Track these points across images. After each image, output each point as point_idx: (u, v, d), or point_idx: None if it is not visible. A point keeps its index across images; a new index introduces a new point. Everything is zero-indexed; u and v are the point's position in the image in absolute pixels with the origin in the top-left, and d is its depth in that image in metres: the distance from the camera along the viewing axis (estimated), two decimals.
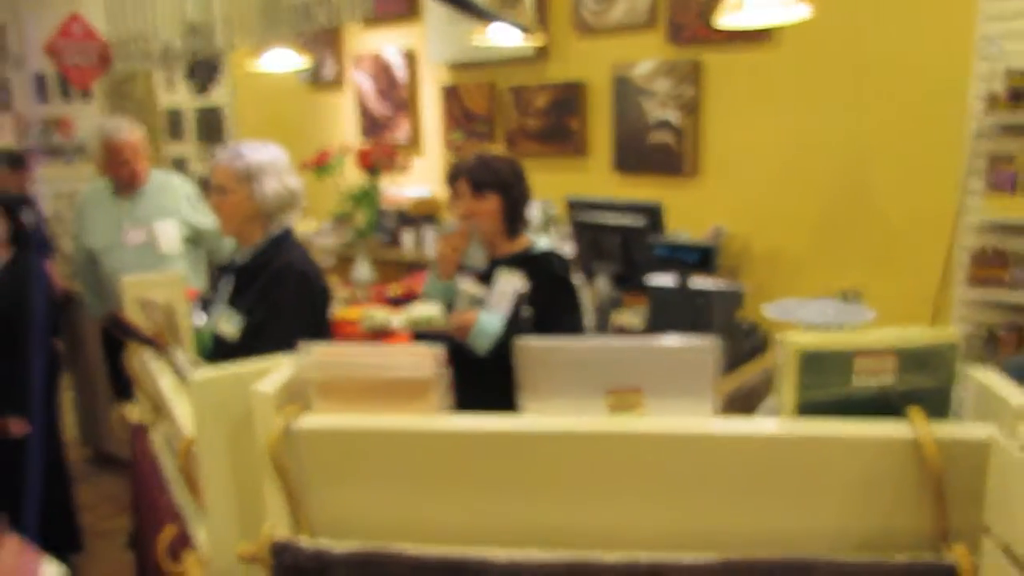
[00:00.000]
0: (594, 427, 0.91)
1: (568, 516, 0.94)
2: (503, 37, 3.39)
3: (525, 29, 3.32)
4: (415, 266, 4.65)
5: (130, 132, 3.45)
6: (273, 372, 0.98)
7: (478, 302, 2.45)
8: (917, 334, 0.93)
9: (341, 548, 0.91)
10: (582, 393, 0.93)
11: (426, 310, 3.09)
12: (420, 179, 4.84)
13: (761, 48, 3.84)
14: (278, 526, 0.95)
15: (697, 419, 0.92)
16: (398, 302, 3.74)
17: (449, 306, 2.65)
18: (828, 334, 0.89)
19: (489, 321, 2.36)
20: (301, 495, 0.96)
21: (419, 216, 4.95)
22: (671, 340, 0.91)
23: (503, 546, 0.91)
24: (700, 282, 2.78)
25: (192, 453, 1.08)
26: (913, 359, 0.92)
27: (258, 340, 2.29)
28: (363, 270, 4.06)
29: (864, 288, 3.07)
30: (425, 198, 5.04)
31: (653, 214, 3.03)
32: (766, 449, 0.91)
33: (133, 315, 1.65)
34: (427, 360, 0.95)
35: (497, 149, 2.59)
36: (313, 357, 0.97)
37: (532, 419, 0.94)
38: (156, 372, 1.45)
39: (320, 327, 2.51)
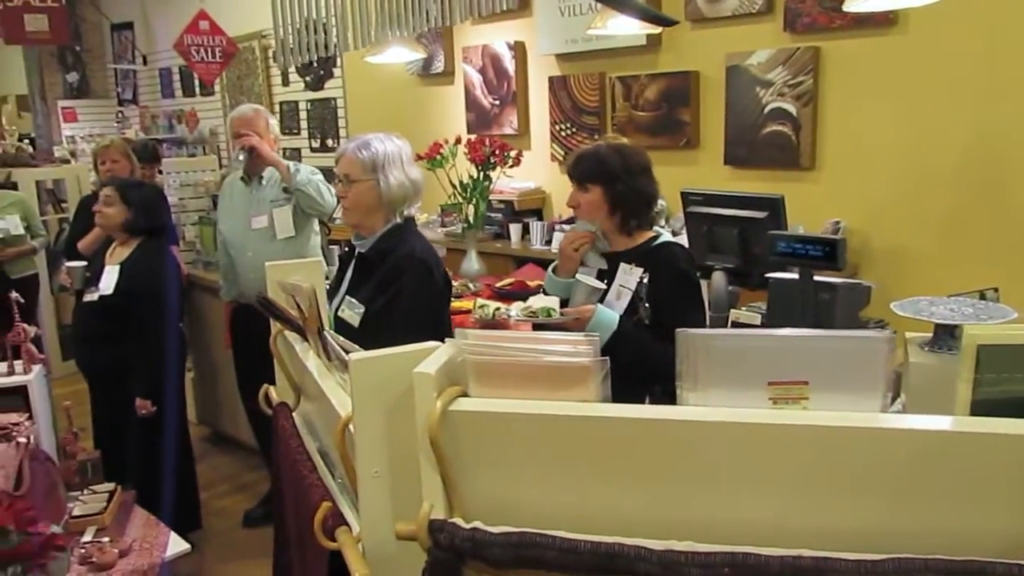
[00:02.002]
0: (757, 418, 0.89)
1: (724, 509, 0.92)
2: (621, 27, 3.36)
3: (671, 22, 3.27)
4: (522, 259, 4.66)
5: (252, 109, 3.70)
6: (433, 354, 1.00)
7: (596, 295, 2.43)
8: None
9: (496, 529, 0.92)
10: (743, 384, 0.91)
11: (545, 302, 3.10)
12: (527, 172, 4.85)
13: (886, 34, 3.70)
14: (435, 506, 0.97)
15: (865, 413, 0.89)
16: (508, 294, 3.76)
17: (565, 302, 2.65)
18: (1009, 327, 0.85)
19: (608, 315, 2.33)
20: (456, 477, 0.97)
21: (526, 209, 4.97)
22: (843, 331, 0.88)
23: (655, 537, 0.90)
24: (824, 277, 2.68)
25: (348, 432, 1.12)
26: None
27: (380, 328, 2.34)
28: (472, 262, 4.10)
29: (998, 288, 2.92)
30: (532, 191, 5.05)
31: (774, 207, 2.95)
32: (938, 446, 0.87)
33: (276, 298, 1.72)
34: (587, 347, 0.95)
35: (621, 139, 2.54)
36: (472, 341, 0.98)
37: (692, 409, 0.93)
38: (302, 354, 1.50)
39: (441, 316, 2.55)
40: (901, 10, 3.53)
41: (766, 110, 4.10)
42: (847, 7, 2.85)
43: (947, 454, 0.87)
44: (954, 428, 0.88)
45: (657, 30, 3.82)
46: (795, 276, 2.76)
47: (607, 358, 0.97)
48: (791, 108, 4.02)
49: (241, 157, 3.58)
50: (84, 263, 3.67)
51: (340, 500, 1.28)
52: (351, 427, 1.09)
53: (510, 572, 0.93)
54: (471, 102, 5.43)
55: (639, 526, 0.92)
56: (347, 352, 1.19)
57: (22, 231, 5.29)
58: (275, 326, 1.71)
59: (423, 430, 0.94)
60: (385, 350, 1.07)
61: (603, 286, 2.44)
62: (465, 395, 0.99)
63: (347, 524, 1.15)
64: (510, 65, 5.15)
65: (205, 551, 3.62)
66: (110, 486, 2.98)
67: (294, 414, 1.63)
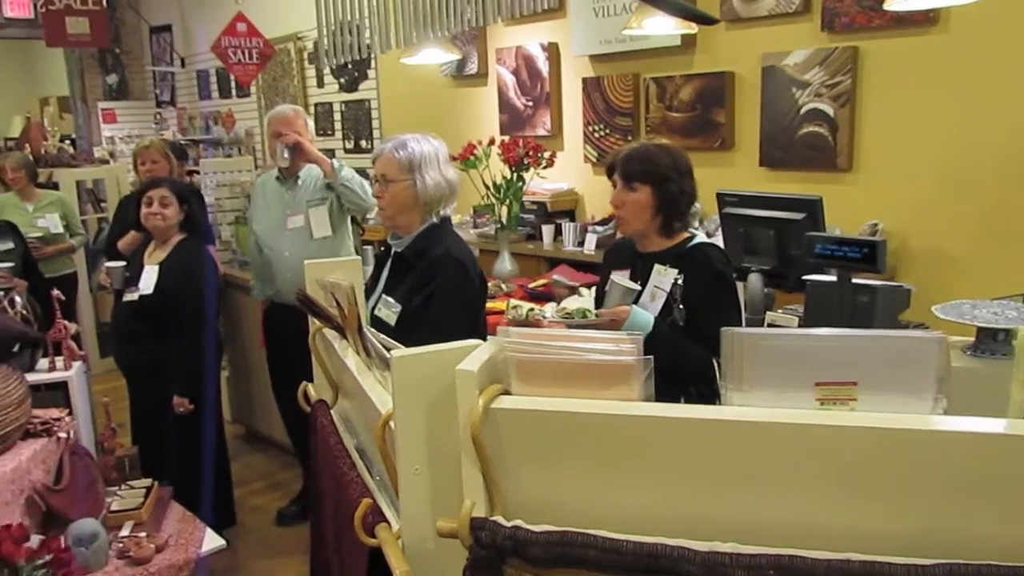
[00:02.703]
0: (804, 419, 0.88)
1: (769, 511, 0.91)
2: (656, 27, 3.34)
3: (711, 20, 3.25)
4: (554, 260, 4.66)
5: (291, 109, 3.73)
6: (474, 352, 1.00)
7: (631, 296, 2.42)
8: None
9: (538, 528, 0.92)
10: (789, 384, 0.90)
11: (581, 303, 3.09)
12: (560, 173, 4.84)
13: (926, 33, 3.64)
14: (476, 504, 0.97)
15: (916, 415, 0.87)
16: (540, 295, 3.76)
17: (601, 299, 2.64)
18: None
19: (643, 316, 2.31)
20: (497, 474, 0.97)
21: (559, 210, 4.96)
22: (894, 331, 0.87)
23: (698, 538, 0.89)
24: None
25: (388, 429, 1.12)
26: None
27: (416, 326, 2.35)
28: (505, 263, 4.11)
29: None
30: (565, 192, 5.04)
31: (811, 208, 2.92)
32: (992, 449, 0.85)
33: (315, 296, 1.73)
34: (630, 346, 0.94)
35: (662, 140, 2.52)
36: (514, 339, 0.98)
37: (737, 409, 0.92)
38: (341, 351, 1.51)
39: (477, 315, 2.55)
40: (942, 9, 3.47)
41: (802, 111, 4.06)
42: (888, 6, 2.81)
43: (1001, 457, 0.85)
44: (1009, 431, 0.86)
45: (692, 30, 3.80)
46: (833, 278, 2.73)
47: (651, 357, 0.96)
48: (828, 109, 3.97)
49: (286, 154, 3.62)
50: (123, 263, 3.72)
51: (378, 497, 1.28)
52: (391, 424, 1.09)
53: (551, 571, 0.93)
54: (504, 103, 5.43)
55: (682, 527, 0.91)
56: (388, 349, 1.19)
57: (61, 230, 5.40)
58: (314, 324, 1.73)
59: (465, 428, 0.94)
60: (426, 347, 1.07)
61: (638, 287, 2.42)
62: (507, 393, 0.98)
63: (387, 521, 1.15)
64: (544, 66, 5.15)
65: (239, 548, 3.65)
66: (147, 482, 3.01)
67: (332, 411, 1.64)
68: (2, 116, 10.34)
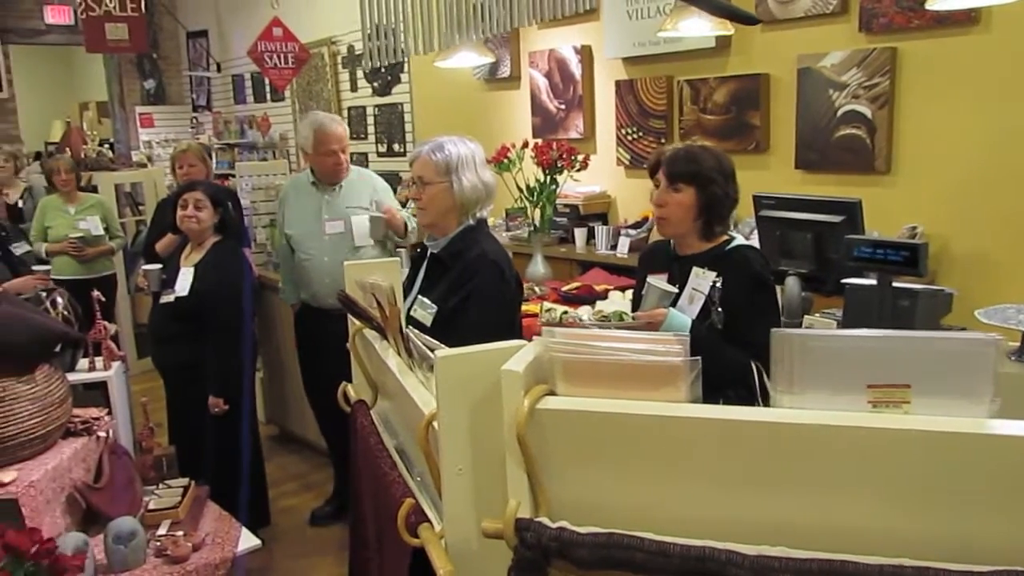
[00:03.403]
0: (856, 422, 0.87)
1: (819, 514, 0.90)
2: (692, 29, 3.33)
3: (754, 19, 3.22)
4: (586, 263, 4.65)
5: (340, 125, 3.72)
6: (519, 352, 1.00)
7: (668, 298, 2.40)
8: None
9: (583, 529, 0.91)
10: (840, 386, 0.89)
11: (617, 305, 3.08)
12: (593, 176, 4.82)
13: (967, 33, 3.58)
14: (521, 504, 0.96)
15: (972, 419, 0.86)
16: (574, 298, 3.75)
17: (637, 303, 2.63)
18: None
19: (680, 319, 2.30)
20: (542, 475, 0.97)
21: (591, 213, 4.95)
22: (948, 333, 0.85)
23: (746, 542, 0.88)
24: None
25: (432, 428, 1.12)
26: None
27: (452, 328, 2.35)
28: (538, 266, 4.10)
29: None
30: (597, 195, 5.03)
31: (850, 211, 2.88)
32: None
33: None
34: (677, 346, 0.93)
35: (703, 142, 2.50)
36: (559, 339, 0.98)
37: (788, 411, 0.90)
38: (382, 352, 1.52)
39: (512, 317, 2.55)
40: (983, 8, 3.41)
41: (839, 113, 4.01)
42: (930, 5, 2.77)
43: None
44: None
45: (728, 31, 3.77)
46: (872, 282, 2.70)
47: (698, 358, 0.95)
48: (866, 111, 3.92)
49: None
50: (160, 266, 3.77)
51: (419, 497, 1.28)
52: (435, 424, 1.09)
53: (596, 573, 0.92)
54: (537, 106, 5.43)
55: (730, 530, 0.90)
56: (431, 350, 1.19)
57: (102, 232, 5.49)
58: (353, 325, 1.73)
59: (510, 428, 0.94)
60: (471, 347, 1.07)
61: (675, 290, 2.41)
62: (552, 393, 0.98)
63: (429, 521, 1.15)
64: (576, 69, 5.14)
65: (273, 548, 3.68)
66: (184, 481, 3.05)
67: (371, 412, 1.65)
68: (43, 121, 10.54)
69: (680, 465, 0.94)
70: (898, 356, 0.87)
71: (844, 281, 2.80)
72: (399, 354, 1.43)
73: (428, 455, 1.13)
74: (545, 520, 0.94)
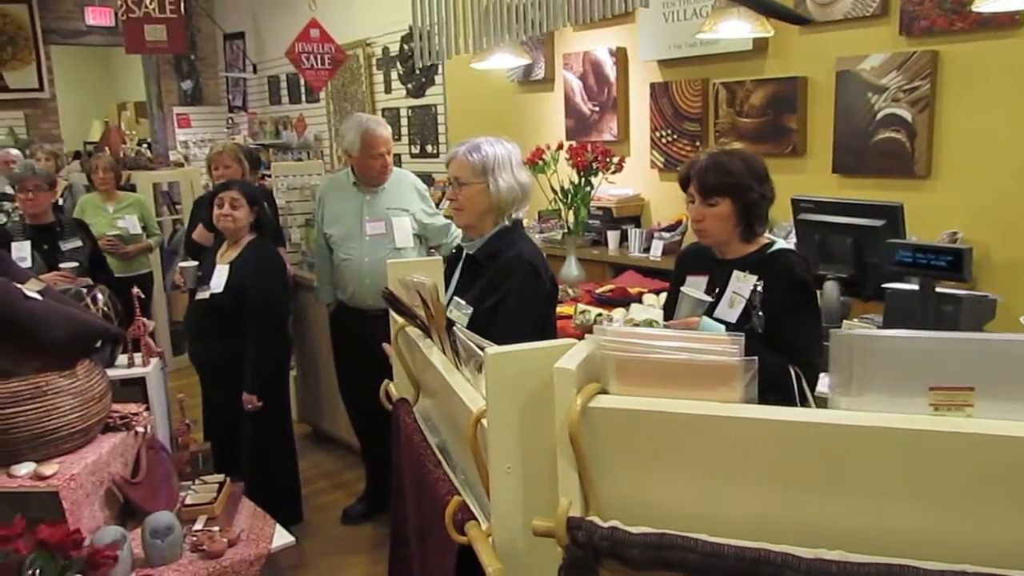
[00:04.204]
0: (917, 425, 0.85)
1: (878, 519, 0.88)
2: (732, 31, 3.30)
3: (804, 20, 3.19)
4: (619, 266, 4.63)
5: (385, 128, 3.73)
6: (571, 350, 0.99)
7: (702, 307, 2.38)
8: None
9: (635, 529, 0.90)
10: (901, 389, 0.87)
11: (648, 313, 3.06)
12: (626, 179, 4.81)
13: (1010, 36, 3.52)
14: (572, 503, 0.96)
15: None
16: (608, 301, 3.74)
17: (671, 305, 2.61)
18: None
19: (712, 327, 2.27)
20: (593, 474, 0.96)
21: (624, 216, 4.93)
22: (1013, 335, 0.83)
23: (802, 545, 0.87)
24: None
25: (479, 426, 1.12)
26: None
27: (488, 329, 2.34)
28: (572, 268, 4.09)
29: None
30: (630, 198, 5.01)
31: (892, 215, 2.84)
32: None
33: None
34: (733, 347, 0.92)
35: (735, 145, 2.47)
36: (612, 338, 0.97)
37: (846, 413, 0.89)
38: (426, 350, 1.52)
39: (547, 318, 2.54)
40: None
41: (878, 116, 3.96)
42: (976, 7, 2.73)
43: None
44: None
45: (766, 34, 3.73)
46: (915, 287, 2.66)
47: (754, 358, 0.94)
48: (906, 114, 3.87)
49: None
50: (196, 263, 3.81)
51: (464, 495, 1.28)
52: (483, 422, 1.09)
53: (648, 574, 0.91)
54: (571, 108, 5.42)
55: (785, 532, 0.89)
56: (480, 348, 1.19)
57: (139, 230, 5.57)
58: (395, 323, 1.74)
59: (562, 426, 0.93)
60: (521, 345, 1.07)
61: (709, 299, 2.38)
62: (603, 392, 0.97)
63: (475, 519, 1.15)
64: (611, 71, 5.12)
65: (305, 545, 3.70)
66: (220, 477, 3.08)
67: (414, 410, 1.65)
68: (83, 121, 10.71)
69: (735, 466, 0.93)
70: (961, 358, 0.86)
71: (885, 286, 2.76)
72: (444, 352, 1.43)
73: (476, 453, 1.13)
74: (596, 519, 0.94)
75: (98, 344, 2.84)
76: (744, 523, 0.92)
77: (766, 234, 2.43)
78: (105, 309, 3.39)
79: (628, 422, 0.95)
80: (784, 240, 2.55)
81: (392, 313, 1.85)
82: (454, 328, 1.35)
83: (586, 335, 1.03)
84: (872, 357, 0.89)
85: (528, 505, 1.08)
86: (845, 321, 2.99)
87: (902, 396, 0.88)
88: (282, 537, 2.89)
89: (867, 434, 0.86)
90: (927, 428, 0.85)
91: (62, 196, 5.99)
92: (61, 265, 3.94)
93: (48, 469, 2.48)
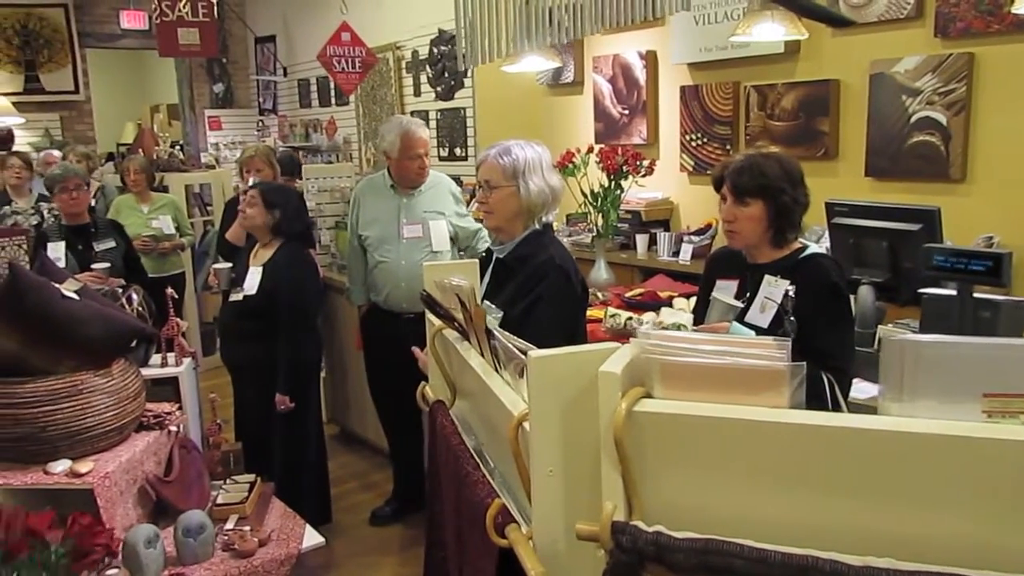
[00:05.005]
0: (970, 432, 0.84)
1: (928, 527, 0.87)
2: (766, 34, 3.28)
3: (848, 22, 3.17)
4: (648, 270, 4.61)
5: (424, 129, 3.75)
6: (616, 354, 0.99)
7: (732, 312, 2.36)
8: None
9: (680, 534, 0.90)
10: (953, 395, 0.86)
11: (676, 317, 3.04)
12: (655, 182, 4.79)
13: None
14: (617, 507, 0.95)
15: None
16: (638, 304, 3.73)
17: (701, 307, 2.59)
18: None
19: (743, 333, 2.26)
20: (637, 478, 0.96)
21: (653, 220, 4.91)
22: None
23: (850, 552, 0.86)
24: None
25: (522, 429, 1.12)
26: None
27: (518, 333, 2.34)
28: (601, 271, 4.08)
29: None
30: (659, 201, 4.99)
31: (928, 219, 2.81)
32: None
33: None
34: (780, 352, 0.92)
35: (770, 148, 2.45)
36: (657, 341, 0.97)
37: (897, 419, 0.88)
38: (464, 352, 1.52)
39: (578, 322, 2.54)
40: None
41: (912, 119, 3.92)
42: (1015, 8, 2.69)
43: None
44: None
45: (799, 36, 3.70)
46: (952, 292, 2.62)
47: (803, 363, 0.93)
48: (941, 117, 3.82)
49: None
50: (229, 265, 3.85)
51: (502, 498, 1.28)
52: (525, 425, 1.09)
53: None
54: (600, 112, 5.41)
55: (832, 539, 0.88)
56: (521, 352, 1.19)
57: (173, 231, 5.64)
58: (432, 325, 1.74)
59: (607, 430, 0.93)
60: (564, 348, 1.07)
61: (740, 305, 2.37)
62: (648, 396, 0.97)
63: (515, 522, 1.15)
64: (641, 75, 5.11)
65: (334, 546, 3.71)
66: (251, 477, 3.09)
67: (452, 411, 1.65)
68: (116, 122, 10.86)
69: (782, 472, 0.92)
70: (1016, 364, 0.84)
71: (921, 291, 2.73)
72: (482, 355, 1.43)
73: (517, 456, 1.13)
74: (641, 524, 0.93)
75: (133, 343, 2.87)
76: (790, 529, 0.91)
77: (798, 239, 2.41)
78: (140, 309, 3.43)
79: (673, 426, 0.95)
80: (816, 244, 2.53)
81: (428, 316, 1.85)
82: (494, 331, 1.35)
83: (630, 339, 1.03)
84: (924, 362, 0.87)
85: (569, 509, 1.08)
86: (880, 326, 2.96)
87: (954, 402, 0.87)
88: (312, 537, 2.90)
89: (920, 441, 0.85)
90: (981, 435, 0.83)
91: (94, 197, 6.08)
92: (93, 266, 3.99)
93: (83, 467, 2.51)
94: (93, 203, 5.86)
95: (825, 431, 0.89)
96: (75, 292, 2.71)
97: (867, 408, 2.30)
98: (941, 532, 0.87)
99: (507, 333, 1.32)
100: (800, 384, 0.93)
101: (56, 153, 6.28)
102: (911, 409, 0.89)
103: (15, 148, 6.93)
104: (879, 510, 0.89)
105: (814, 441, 0.89)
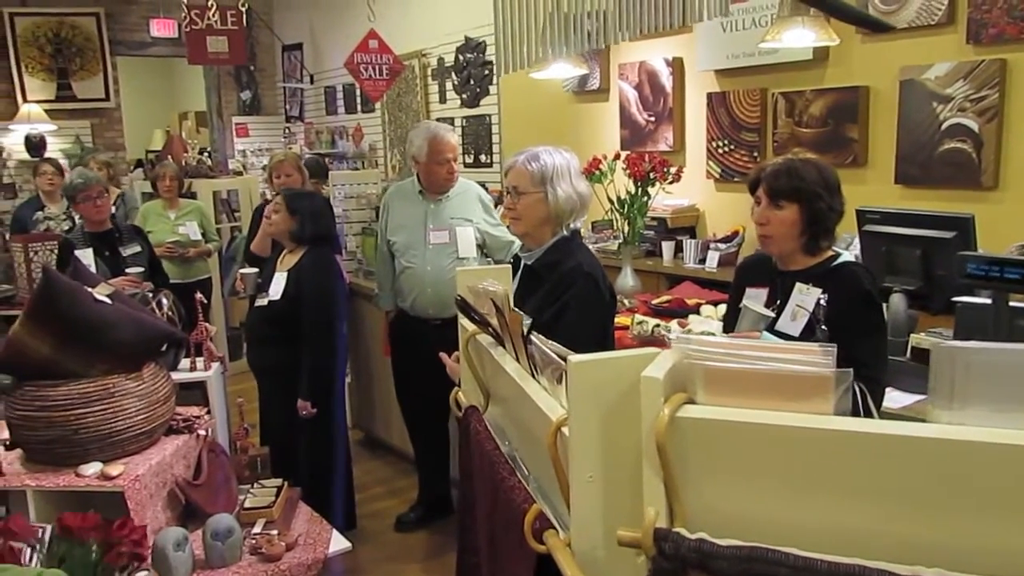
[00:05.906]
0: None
1: (979, 537, 0.85)
2: (796, 39, 3.25)
3: (887, 27, 3.14)
4: (674, 277, 4.59)
5: (453, 135, 3.76)
6: (658, 359, 0.98)
7: (763, 321, 2.34)
8: None
9: (723, 542, 0.89)
10: (1006, 403, 0.84)
11: (705, 325, 3.03)
12: (681, 189, 4.77)
13: None
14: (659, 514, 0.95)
15: None
16: (665, 311, 3.71)
17: (731, 315, 2.58)
18: None
19: (774, 343, 2.24)
20: (679, 485, 0.95)
21: (679, 227, 4.89)
22: None
23: (898, 561, 0.85)
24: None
25: (560, 435, 1.11)
26: None
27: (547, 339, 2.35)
28: (628, 278, 4.07)
29: None
30: (686, 208, 4.97)
31: (962, 227, 2.78)
32: None
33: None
34: (826, 358, 0.91)
35: (807, 154, 2.43)
36: (699, 347, 0.96)
37: (947, 427, 0.87)
38: (499, 357, 1.52)
39: (607, 329, 2.53)
40: None
41: (943, 126, 3.88)
42: None
43: None
44: None
45: (830, 43, 3.68)
46: (986, 301, 2.59)
47: (849, 370, 0.92)
48: (972, 124, 3.78)
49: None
50: (256, 270, 3.87)
51: (543, 501, 1.27)
52: (563, 431, 1.08)
53: None
54: (626, 119, 5.40)
55: (878, 549, 0.87)
56: (560, 357, 1.18)
57: (199, 237, 5.69)
58: (465, 330, 1.74)
59: (649, 436, 0.92)
60: (604, 353, 1.06)
61: (771, 314, 2.35)
62: (691, 402, 0.96)
63: (552, 528, 1.14)
64: (667, 81, 5.09)
65: (360, 551, 3.72)
66: (278, 481, 3.10)
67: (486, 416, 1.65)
68: (145, 130, 10.99)
69: (828, 479, 0.90)
70: None
71: (955, 299, 2.70)
72: (518, 360, 1.43)
73: (555, 461, 1.12)
74: (683, 531, 0.92)
75: (163, 348, 2.89)
76: (835, 537, 0.90)
77: (831, 247, 2.38)
78: (169, 313, 3.46)
79: (717, 432, 0.94)
80: (847, 251, 2.50)
81: (461, 321, 1.85)
82: (531, 336, 1.35)
83: (670, 344, 1.02)
84: (975, 371, 0.86)
85: (609, 515, 1.07)
86: (912, 335, 2.93)
87: (1007, 411, 0.85)
88: (339, 542, 2.91)
89: (971, 449, 0.84)
90: None
91: (114, 204, 6.15)
92: (128, 270, 4.03)
93: (114, 469, 2.53)
94: (114, 210, 5.95)
95: (874, 439, 0.88)
96: (107, 296, 2.74)
97: (901, 418, 2.27)
98: (992, 543, 0.86)
99: (543, 338, 1.32)
100: (846, 391, 0.92)
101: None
102: (961, 417, 0.87)
103: (46, 155, 7.02)
104: (928, 520, 0.88)
105: (862, 449, 0.88)
